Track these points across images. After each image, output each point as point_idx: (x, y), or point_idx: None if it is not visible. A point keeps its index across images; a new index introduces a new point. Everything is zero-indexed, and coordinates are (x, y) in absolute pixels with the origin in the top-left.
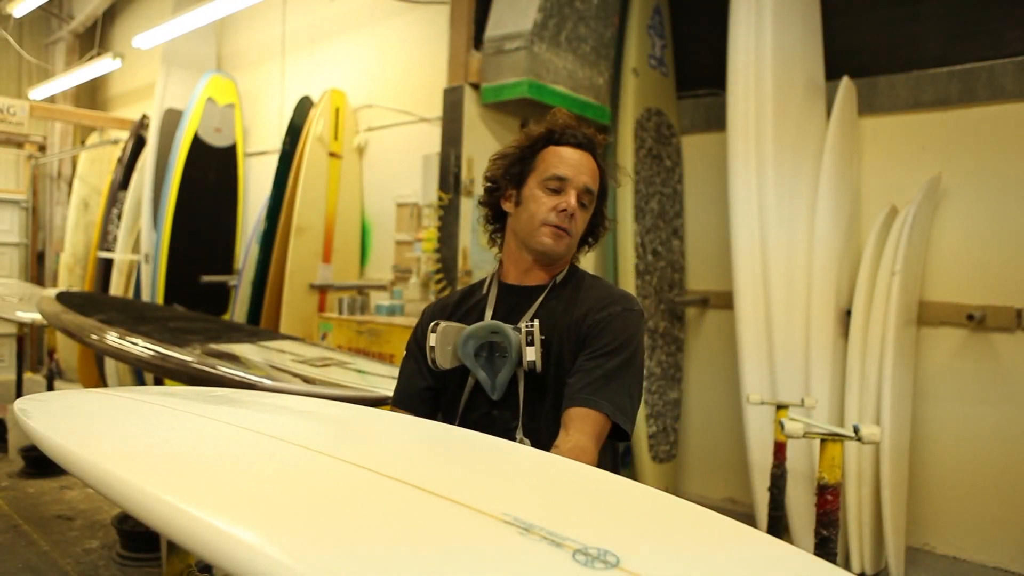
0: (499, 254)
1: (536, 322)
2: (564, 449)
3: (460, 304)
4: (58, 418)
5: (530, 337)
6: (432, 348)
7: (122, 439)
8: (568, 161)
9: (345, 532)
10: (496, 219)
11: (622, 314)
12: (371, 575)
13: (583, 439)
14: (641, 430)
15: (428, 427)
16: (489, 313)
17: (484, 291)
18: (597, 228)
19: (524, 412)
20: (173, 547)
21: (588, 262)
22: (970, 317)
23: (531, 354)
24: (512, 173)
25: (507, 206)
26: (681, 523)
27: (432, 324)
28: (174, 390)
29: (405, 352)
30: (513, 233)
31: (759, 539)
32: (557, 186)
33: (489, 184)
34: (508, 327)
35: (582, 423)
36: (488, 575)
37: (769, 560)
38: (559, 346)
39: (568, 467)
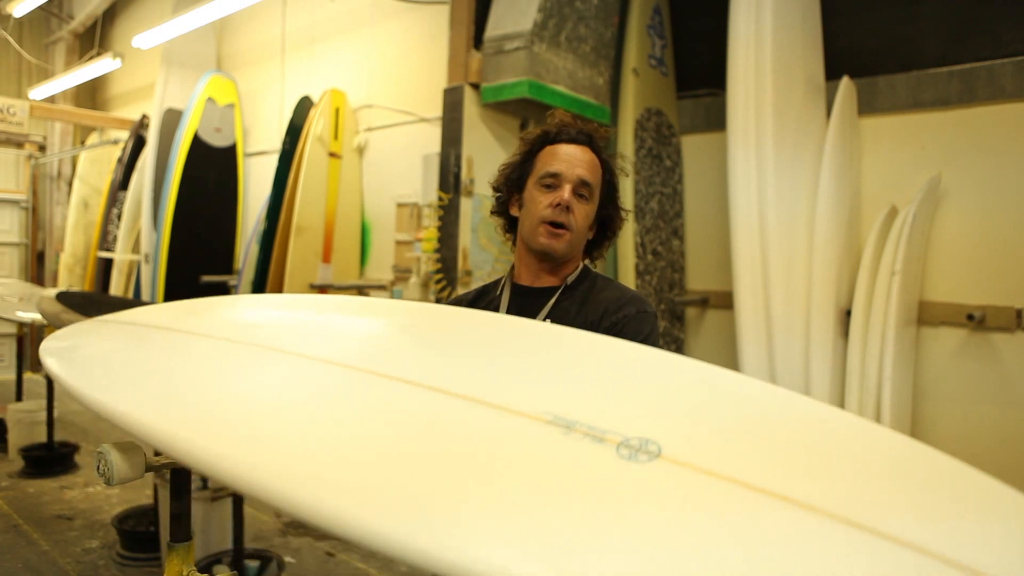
0: (512, 252)
1: (548, 322)
2: None
3: (474, 303)
4: (87, 367)
5: None
6: None
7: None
8: (561, 157)
9: (395, 458)
10: (511, 227)
11: (636, 316)
12: (425, 497)
13: None
14: None
15: (439, 313)
16: (503, 312)
17: (498, 292)
18: (612, 222)
19: None
20: (173, 547)
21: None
22: (970, 317)
23: None
24: (512, 179)
25: (515, 211)
26: (713, 392)
27: None
28: (198, 307)
29: None
30: (520, 237)
31: (787, 399)
32: (551, 182)
33: (497, 194)
34: None
35: None
36: (544, 484)
37: (809, 420)
38: None
39: (595, 343)
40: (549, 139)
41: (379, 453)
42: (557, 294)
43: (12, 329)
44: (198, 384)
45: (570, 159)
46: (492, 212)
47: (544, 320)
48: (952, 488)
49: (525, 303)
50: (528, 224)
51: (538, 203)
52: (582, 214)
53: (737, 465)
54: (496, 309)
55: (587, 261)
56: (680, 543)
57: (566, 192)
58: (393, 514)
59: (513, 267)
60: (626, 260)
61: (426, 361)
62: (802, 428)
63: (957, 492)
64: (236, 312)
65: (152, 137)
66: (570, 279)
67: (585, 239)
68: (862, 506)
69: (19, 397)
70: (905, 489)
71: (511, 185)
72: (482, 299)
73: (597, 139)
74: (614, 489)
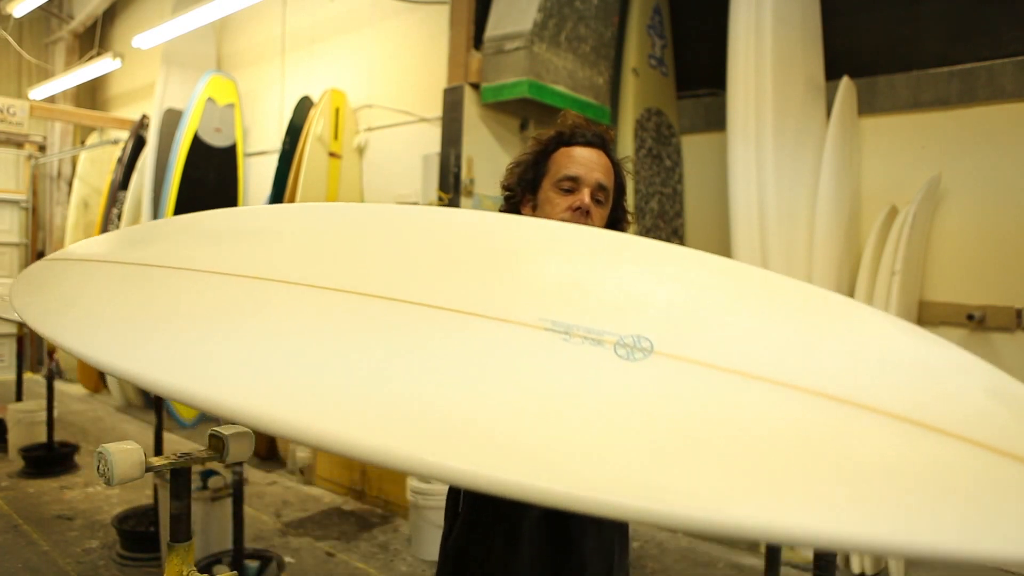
0: None
1: None
2: None
3: None
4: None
5: None
6: None
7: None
8: (579, 160)
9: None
10: None
11: None
12: (449, 410)
13: None
14: None
15: (423, 216)
16: None
17: None
18: (619, 224)
19: None
20: (173, 547)
21: None
22: (970, 317)
23: None
24: (526, 179)
25: (526, 212)
26: (693, 281)
27: None
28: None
29: None
30: None
31: (781, 284)
32: (570, 186)
33: (507, 193)
34: None
35: None
36: (555, 387)
37: (787, 298)
38: None
39: (579, 236)
40: (564, 140)
41: (406, 374)
42: None
43: (12, 329)
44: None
45: (588, 163)
46: (501, 211)
47: None
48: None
49: None
50: None
51: (556, 206)
52: (599, 218)
53: (716, 352)
54: None
55: None
56: (669, 425)
57: (586, 196)
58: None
59: None
60: None
61: (417, 278)
62: (778, 306)
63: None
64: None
65: (152, 137)
66: None
67: None
68: (845, 385)
69: (19, 397)
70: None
71: (525, 185)
72: None
73: (608, 141)
74: (619, 390)
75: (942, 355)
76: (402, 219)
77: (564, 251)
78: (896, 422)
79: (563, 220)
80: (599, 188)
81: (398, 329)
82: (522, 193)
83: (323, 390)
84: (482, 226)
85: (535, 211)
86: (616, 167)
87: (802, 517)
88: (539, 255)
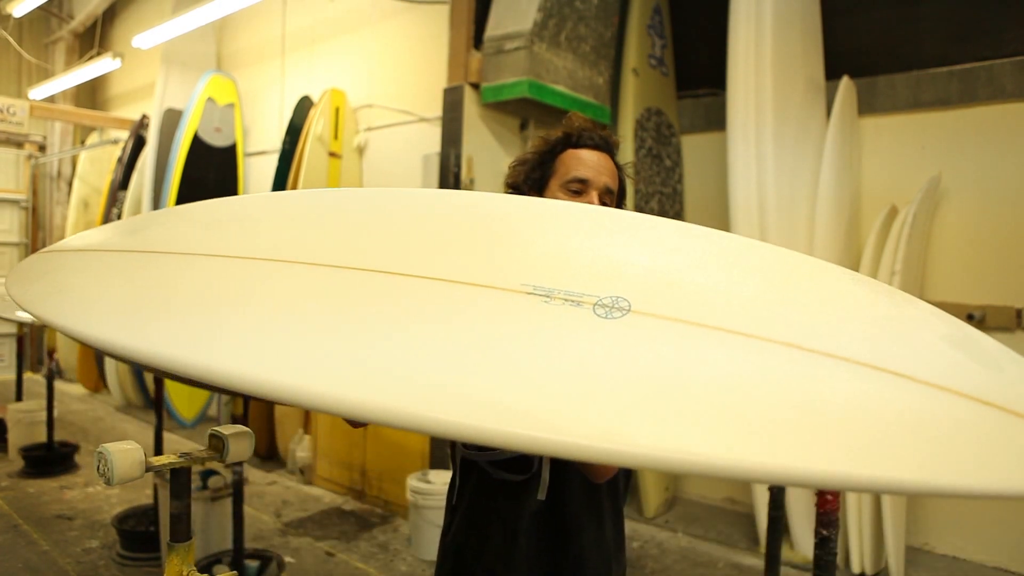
0: None
1: None
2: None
3: None
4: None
5: None
6: None
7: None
8: (588, 163)
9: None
10: None
11: None
12: (432, 374)
13: None
14: None
15: (405, 198)
16: None
17: None
18: None
19: None
20: (173, 547)
21: None
22: (970, 317)
23: None
24: (533, 178)
25: None
26: (672, 244)
27: None
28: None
29: None
30: None
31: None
32: (579, 188)
33: (511, 191)
34: None
35: None
36: (538, 346)
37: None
38: None
39: (562, 210)
40: (571, 142)
41: (407, 337)
42: None
43: (12, 329)
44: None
45: (596, 166)
46: None
47: None
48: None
49: None
50: None
51: None
52: None
53: (691, 310)
54: None
55: None
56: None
57: (594, 199)
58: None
59: None
60: None
61: (406, 253)
62: (750, 266)
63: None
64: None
65: (152, 137)
66: None
67: None
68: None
69: (19, 397)
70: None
71: (531, 184)
72: None
73: (613, 146)
74: (597, 345)
75: (907, 308)
76: (393, 200)
77: (547, 224)
78: (860, 367)
79: None
80: (606, 192)
81: (387, 297)
82: (528, 191)
83: (317, 356)
84: (470, 203)
85: None
86: (620, 170)
87: (767, 455)
88: (523, 228)
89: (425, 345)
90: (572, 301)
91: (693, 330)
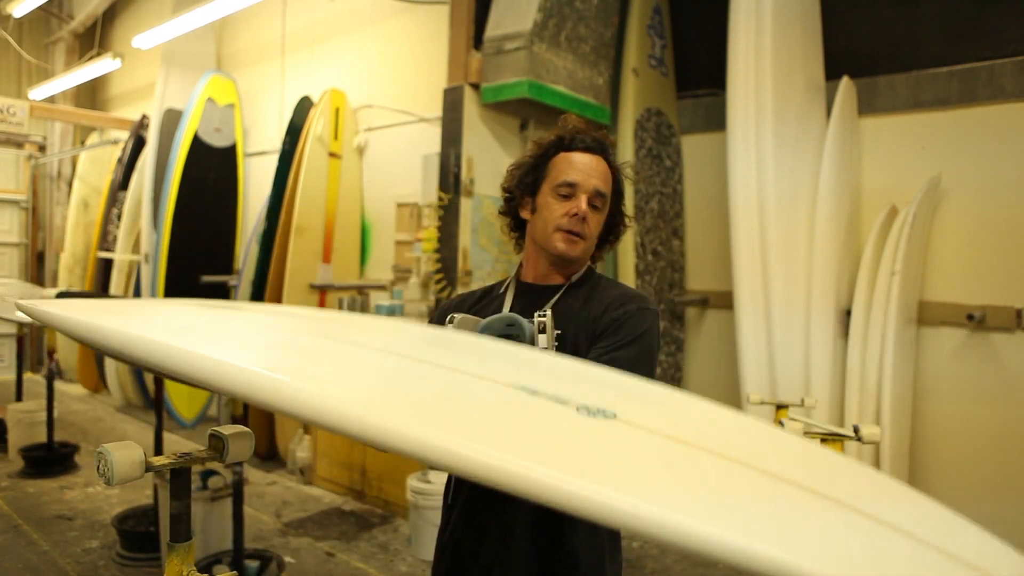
0: (520, 254)
1: (548, 312)
2: None
3: (479, 300)
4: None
5: (542, 326)
6: None
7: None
8: (578, 166)
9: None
10: (517, 227)
11: (637, 312)
12: (422, 422)
13: None
14: None
15: (432, 330)
16: (507, 307)
17: (501, 290)
18: (617, 227)
19: None
20: (173, 547)
21: None
22: (970, 317)
23: (543, 341)
24: (526, 182)
25: (524, 214)
26: (667, 397)
27: (448, 316)
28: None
29: None
30: (532, 239)
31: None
32: (568, 192)
33: (507, 195)
34: (524, 319)
35: None
36: (510, 420)
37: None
38: (575, 340)
39: (568, 361)
40: (564, 146)
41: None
42: (561, 291)
43: (12, 329)
44: None
45: (586, 169)
46: (500, 211)
47: (546, 311)
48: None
49: (530, 299)
50: (542, 229)
51: (554, 210)
52: (596, 223)
53: (680, 431)
54: (500, 304)
55: (589, 263)
56: (635, 474)
57: (583, 203)
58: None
59: (520, 266)
60: (626, 260)
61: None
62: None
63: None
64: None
65: (152, 137)
66: (574, 278)
67: (595, 245)
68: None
69: (19, 397)
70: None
71: (524, 188)
72: (485, 298)
73: (608, 147)
74: (576, 431)
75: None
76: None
77: (550, 360)
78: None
79: (560, 225)
80: (597, 195)
81: (408, 369)
82: (521, 196)
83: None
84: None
85: (533, 214)
86: (615, 172)
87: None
88: (524, 359)
89: (424, 394)
90: (556, 400)
91: (676, 445)
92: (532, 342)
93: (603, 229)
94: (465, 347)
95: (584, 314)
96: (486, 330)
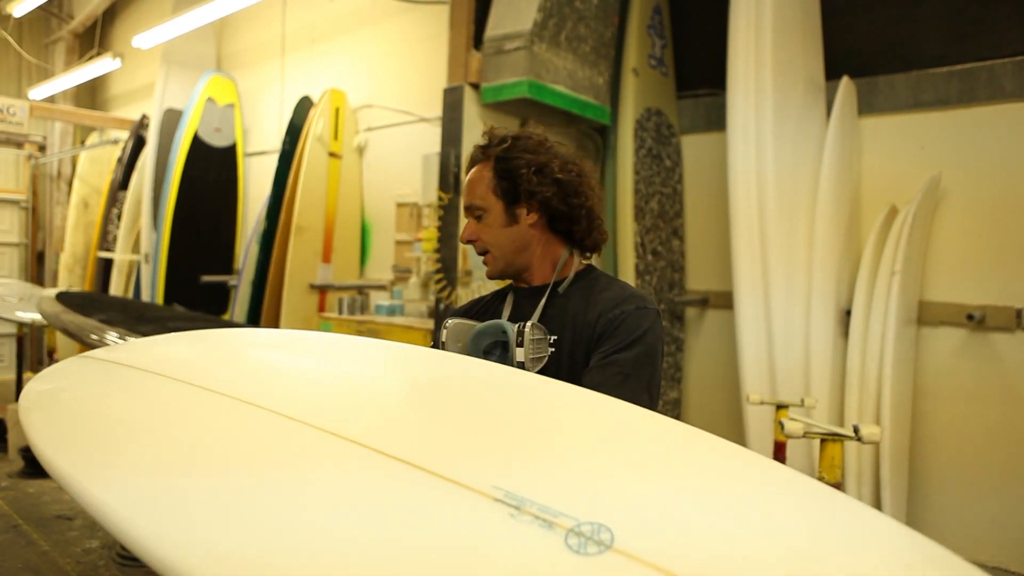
0: None
1: (528, 324)
2: None
3: (488, 304)
4: (64, 432)
5: (520, 338)
6: (443, 344)
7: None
8: (464, 190)
9: (306, 519)
10: None
11: (635, 312)
12: None
13: None
14: None
15: (402, 354)
16: (506, 313)
17: (507, 293)
18: (549, 202)
19: None
20: None
21: None
22: (970, 317)
23: (519, 355)
24: None
25: None
26: (681, 452)
27: (444, 322)
28: (168, 340)
29: None
30: None
31: (767, 471)
32: (467, 215)
33: None
34: (511, 326)
35: None
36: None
37: (786, 499)
38: (571, 347)
39: (560, 398)
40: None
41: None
42: (545, 295)
43: (12, 329)
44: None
45: (465, 190)
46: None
47: (537, 320)
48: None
49: (526, 303)
50: None
51: None
52: (487, 234)
53: (686, 557)
54: (500, 308)
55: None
56: None
57: (463, 229)
58: None
59: None
60: (626, 260)
61: (370, 415)
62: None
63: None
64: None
65: (152, 137)
66: (562, 285)
67: (518, 240)
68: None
69: (19, 397)
70: None
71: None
72: (496, 300)
73: (492, 144)
74: None
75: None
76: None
77: (549, 408)
78: None
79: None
80: (472, 209)
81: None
82: None
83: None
84: (461, 372)
85: None
86: (498, 159)
87: None
88: (511, 407)
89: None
90: (543, 521)
91: None
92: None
93: (547, 218)
94: (437, 393)
95: (582, 318)
96: (479, 336)
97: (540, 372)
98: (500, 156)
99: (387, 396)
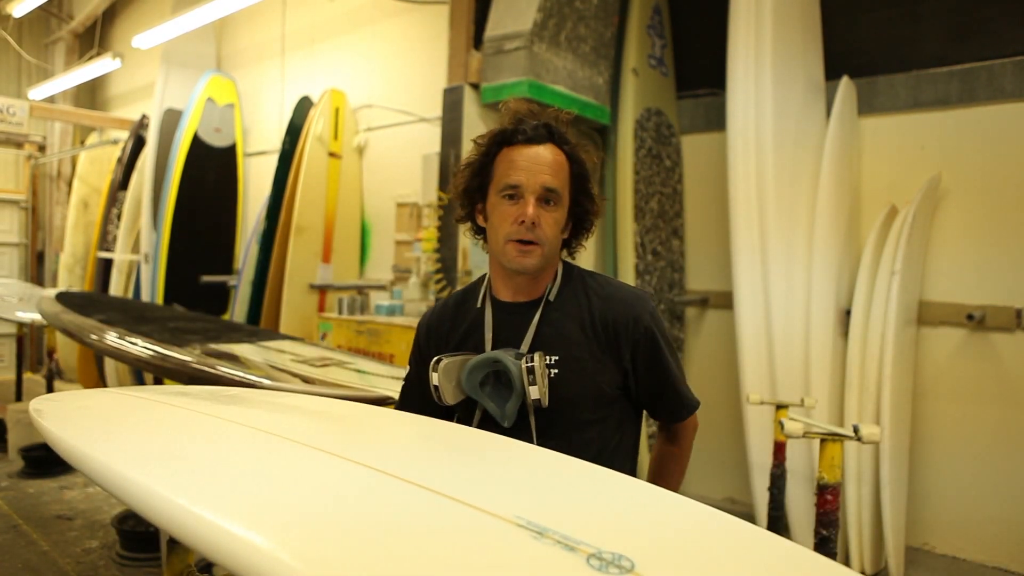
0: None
1: (536, 356)
2: (684, 458)
3: (456, 319)
4: (72, 419)
5: (532, 376)
6: (436, 388)
7: (135, 440)
8: (520, 164)
9: (353, 537)
10: (480, 231)
11: (651, 319)
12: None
13: (688, 445)
14: (641, 430)
15: (436, 427)
16: (488, 337)
17: (479, 305)
18: (588, 214)
19: (537, 437)
20: (173, 547)
21: (587, 262)
22: (970, 317)
23: (535, 392)
24: (473, 187)
25: (480, 221)
26: (694, 525)
27: (433, 362)
28: (185, 390)
29: (406, 374)
30: (491, 251)
31: (767, 542)
32: (512, 194)
33: (457, 201)
34: (509, 359)
35: (685, 432)
36: None
37: (781, 563)
38: (579, 359)
39: (579, 468)
40: (505, 140)
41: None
42: (539, 311)
43: (12, 329)
44: None
45: (530, 165)
46: (457, 219)
47: (532, 347)
48: None
49: (510, 321)
50: (495, 241)
51: (504, 217)
52: (550, 223)
53: None
54: (480, 327)
55: (566, 257)
56: None
57: (530, 207)
58: None
59: (491, 280)
60: (626, 260)
61: (411, 458)
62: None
63: None
64: None
65: (152, 137)
66: (552, 292)
67: (559, 244)
68: None
69: (19, 397)
70: None
71: (470, 195)
72: (462, 315)
73: (558, 129)
74: None
75: None
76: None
77: (567, 476)
78: None
79: (509, 235)
80: (546, 191)
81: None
82: (468, 203)
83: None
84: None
85: (487, 220)
86: (571, 154)
87: None
88: (542, 473)
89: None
90: (565, 545)
91: None
92: (521, 382)
93: (572, 221)
94: (465, 452)
95: (579, 322)
96: (473, 372)
97: (563, 390)
98: (575, 157)
99: (430, 451)
